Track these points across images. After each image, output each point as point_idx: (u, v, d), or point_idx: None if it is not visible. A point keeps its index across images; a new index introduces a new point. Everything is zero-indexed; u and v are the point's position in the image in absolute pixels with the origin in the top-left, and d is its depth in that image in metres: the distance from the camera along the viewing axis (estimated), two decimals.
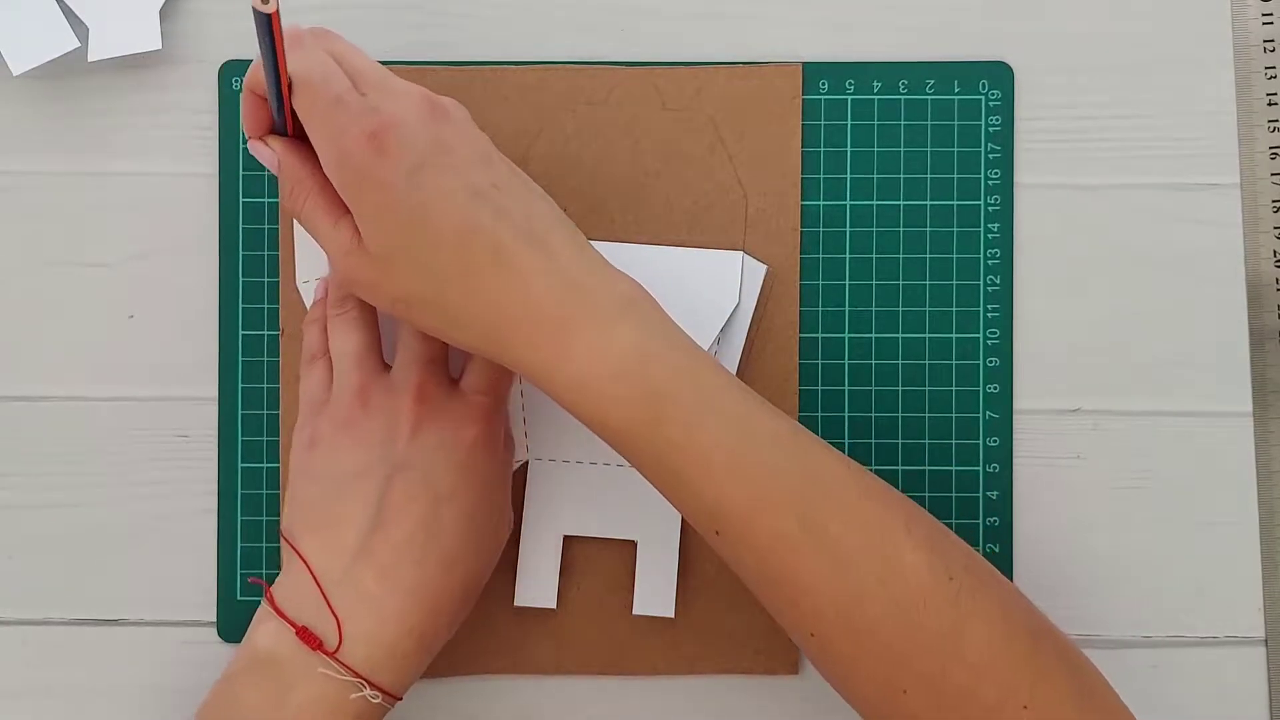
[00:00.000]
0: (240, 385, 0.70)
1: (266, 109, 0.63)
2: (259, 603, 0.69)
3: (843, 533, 0.59)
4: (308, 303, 0.69)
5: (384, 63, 0.70)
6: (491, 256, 0.60)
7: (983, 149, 0.71)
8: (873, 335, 0.71)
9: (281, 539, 0.64)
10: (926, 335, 0.71)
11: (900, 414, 0.70)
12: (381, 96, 0.61)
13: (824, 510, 0.59)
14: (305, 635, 0.61)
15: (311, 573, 0.62)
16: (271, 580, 0.64)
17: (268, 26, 0.57)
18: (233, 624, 0.70)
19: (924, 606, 0.58)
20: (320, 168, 0.62)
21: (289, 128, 0.63)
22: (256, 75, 0.62)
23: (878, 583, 0.58)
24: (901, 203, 0.71)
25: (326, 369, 0.66)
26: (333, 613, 0.61)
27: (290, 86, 0.61)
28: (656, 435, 0.59)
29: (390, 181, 0.59)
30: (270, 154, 0.64)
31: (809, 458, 0.60)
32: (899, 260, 0.71)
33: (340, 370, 0.65)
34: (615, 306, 0.60)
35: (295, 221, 0.69)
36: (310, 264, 0.69)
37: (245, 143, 0.70)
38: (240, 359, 0.70)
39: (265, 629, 0.62)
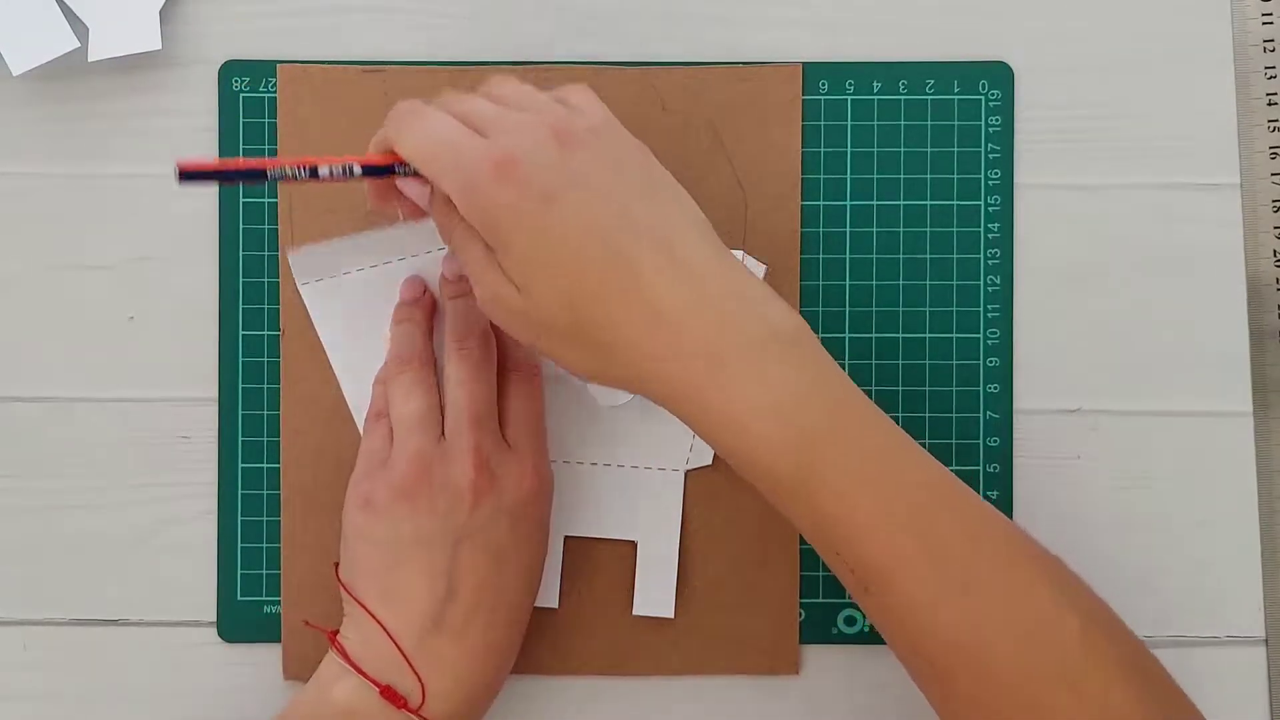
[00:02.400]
0: (240, 386, 0.70)
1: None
2: (260, 604, 0.70)
3: (992, 592, 0.58)
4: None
5: (384, 63, 0.70)
6: (634, 287, 0.58)
7: (983, 149, 0.71)
8: (873, 335, 0.71)
9: (342, 589, 0.65)
10: (926, 335, 0.71)
11: (900, 414, 0.70)
12: (499, 134, 0.59)
13: (975, 568, 0.58)
14: (390, 694, 0.63)
15: (391, 638, 0.63)
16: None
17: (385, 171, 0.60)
18: (233, 624, 0.70)
19: (1073, 674, 0.57)
20: None
21: None
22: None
23: (1023, 641, 0.57)
24: (901, 203, 0.71)
25: (389, 427, 0.66)
26: (416, 675, 0.63)
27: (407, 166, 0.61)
28: (807, 480, 0.57)
29: (520, 207, 0.58)
30: (419, 189, 0.62)
31: (960, 506, 0.59)
32: (899, 260, 0.71)
33: (399, 434, 0.65)
34: (768, 340, 0.58)
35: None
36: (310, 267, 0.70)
37: (244, 146, 0.70)
38: (240, 359, 0.70)
39: (344, 685, 0.64)
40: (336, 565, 0.66)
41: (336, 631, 0.65)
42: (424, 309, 0.68)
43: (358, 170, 0.61)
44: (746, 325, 0.58)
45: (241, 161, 0.59)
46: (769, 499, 0.59)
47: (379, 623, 0.63)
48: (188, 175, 0.60)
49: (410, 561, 0.63)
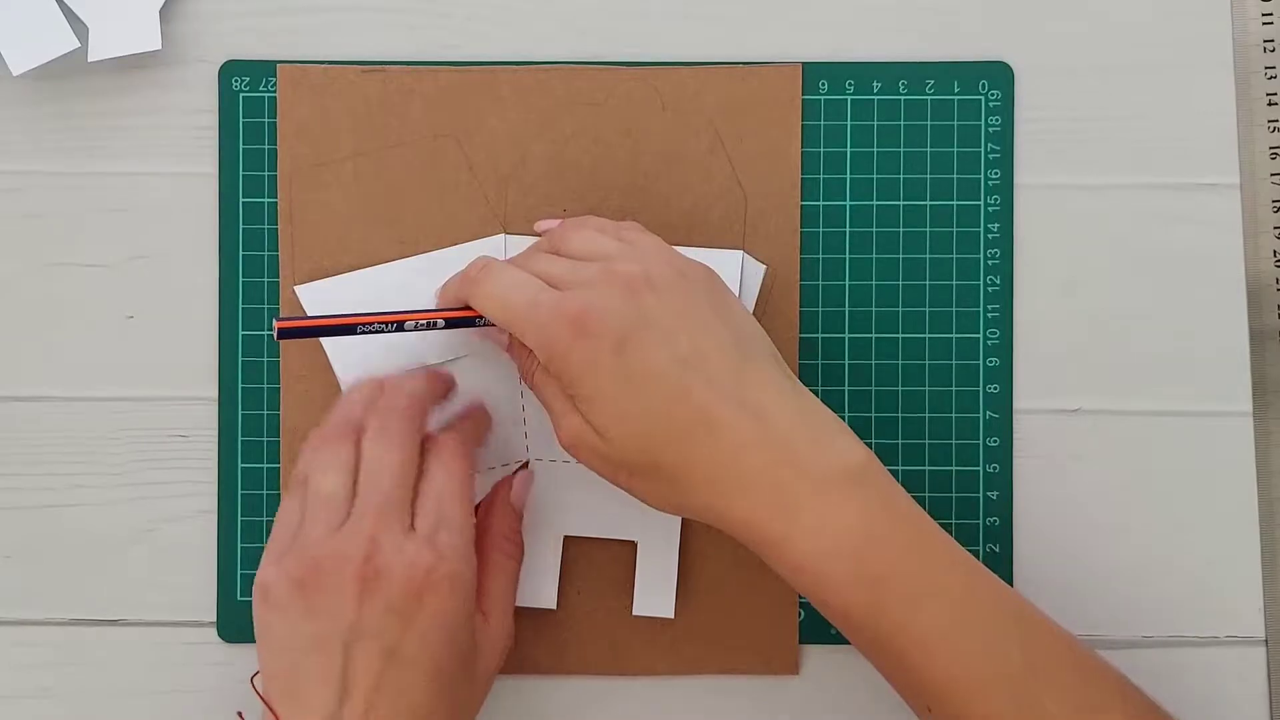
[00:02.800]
0: (240, 385, 0.70)
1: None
2: None
3: (1058, 714, 0.58)
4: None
5: (384, 63, 0.70)
6: (703, 426, 0.59)
7: (983, 149, 0.71)
8: (873, 335, 0.71)
9: (253, 688, 0.62)
10: (926, 335, 0.71)
11: (900, 414, 0.70)
12: (572, 287, 0.61)
13: (1041, 690, 0.59)
14: None
15: None
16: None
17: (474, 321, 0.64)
18: (233, 624, 0.70)
19: None
20: None
21: None
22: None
23: None
24: (901, 203, 0.71)
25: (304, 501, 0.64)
26: None
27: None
28: (876, 617, 0.59)
29: (595, 359, 0.60)
30: (498, 336, 0.66)
31: (1029, 634, 0.60)
32: (899, 260, 0.71)
33: (308, 514, 0.62)
34: (836, 479, 0.59)
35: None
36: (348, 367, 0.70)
37: (244, 146, 0.70)
38: (240, 359, 0.70)
39: None
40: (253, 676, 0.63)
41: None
42: (373, 389, 0.66)
43: (441, 323, 0.64)
44: (813, 464, 0.59)
45: (334, 319, 0.65)
46: (850, 639, 0.61)
47: (276, 717, 0.61)
48: (285, 333, 0.65)
49: (307, 665, 0.61)
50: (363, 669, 0.61)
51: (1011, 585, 0.69)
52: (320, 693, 0.61)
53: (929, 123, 0.71)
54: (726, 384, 0.60)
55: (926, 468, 0.70)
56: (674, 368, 0.60)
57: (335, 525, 0.62)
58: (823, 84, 0.71)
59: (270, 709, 0.61)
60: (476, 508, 0.67)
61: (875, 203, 0.71)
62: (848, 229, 0.71)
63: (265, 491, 0.70)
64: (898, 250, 0.71)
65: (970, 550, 0.69)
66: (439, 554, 0.62)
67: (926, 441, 0.70)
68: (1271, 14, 0.71)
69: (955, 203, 0.71)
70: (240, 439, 0.70)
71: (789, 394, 0.61)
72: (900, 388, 0.70)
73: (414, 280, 0.69)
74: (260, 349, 0.70)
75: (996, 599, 0.60)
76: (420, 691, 0.61)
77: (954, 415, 0.71)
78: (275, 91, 0.70)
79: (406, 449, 0.63)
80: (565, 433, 0.62)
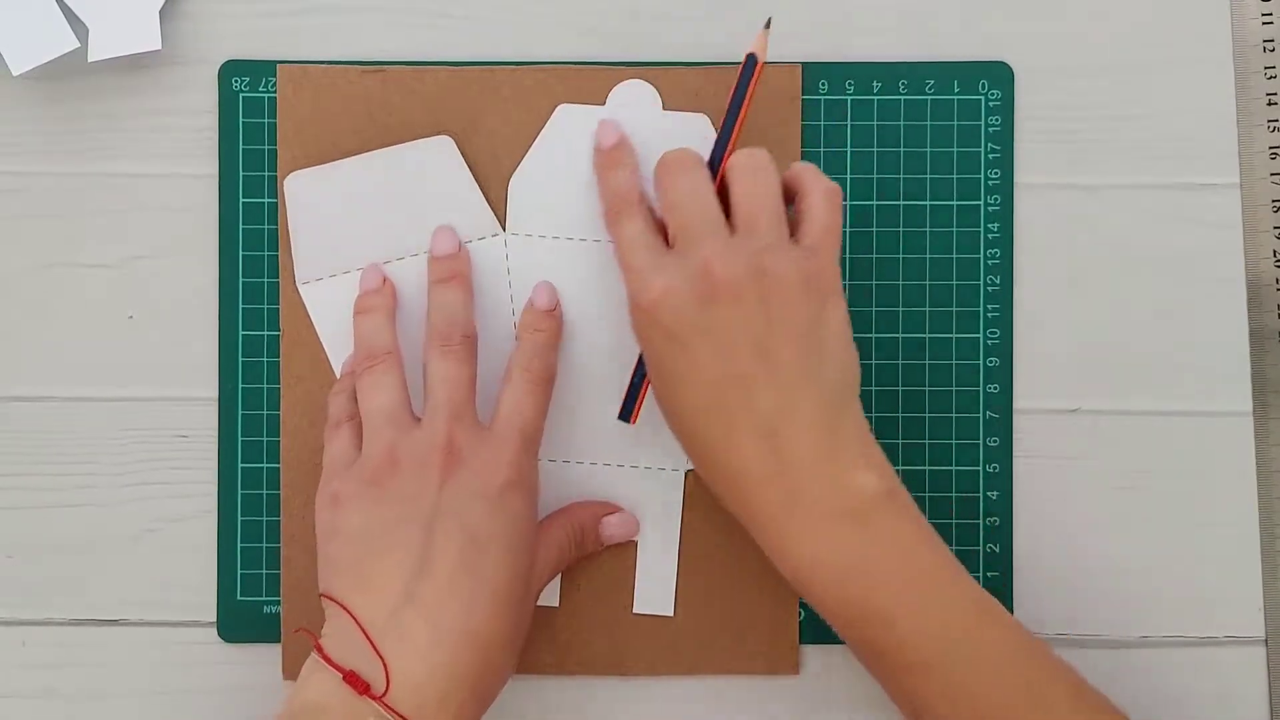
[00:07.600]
0: (240, 385, 0.70)
1: None
2: (260, 604, 0.70)
3: None
4: (310, 307, 0.70)
5: (384, 63, 0.70)
6: (723, 437, 0.61)
7: (983, 149, 0.71)
8: (873, 335, 0.71)
9: (322, 598, 0.63)
10: (926, 335, 0.71)
11: (900, 414, 0.70)
12: (740, 253, 0.62)
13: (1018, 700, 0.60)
14: (352, 679, 0.60)
15: (357, 621, 0.61)
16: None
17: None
18: (233, 624, 0.70)
19: None
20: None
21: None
22: None
23: None
24: (901, 203, 0.71)
25: (352, 432, 0.66)
26: (379, 656, 0.60)
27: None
28: (870, 635, 0.61)
29: (656, 344, 0.62)
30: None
31: (1028, 666, 0.61)
32: (899, 260, 0.71)
33: (372, 426, 0.64)
34: (839, 511, 0.60)
35: (290, 224, 0.69)
36: (310, 264, 0.70)
37: (244, 146, 0.70)
38: (240, 359, 0.70)
39: (314, 680, 0.61)
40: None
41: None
42: (386, 297, 0.68)
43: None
44: (820, 500, 0.60)
45: None
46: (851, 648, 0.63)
47: (347, 610, 0.61)
48: None
49: (383, 548, 0.62)
50: (442, 546, 0.62)
51: (1011, 585, 0.69)
52: (395, 568, 0.62)
53: (929, 123, 0.71)
54: (764, 405, 0.61)
55: (926, 468, 0.70)
56: (721, 379, 0.61)
57: (404, 431, 0.64)
58: (823, 84, 0.71)
59: (340, 604, 0.62)
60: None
61: (875, 203, 0.71)
62: (848, 229, 0.71)
63: (265, 491, 0.70)
64: (898, 250, 0.71)
65: (970, 550, 0.69)
66: (516, 459, 0.64)
67: (926, 441, 0.70)
68: (1271, 14, 0.71)
69: (955, 203, 0.71)
70: (240, 439, 0.70)
71: (826, 429, 0.61)
72: (900, 388, 0.70)
73: (413, 280, 0.69)
74: (260, 349, 0.70)
75: (997, 627, 0.61)
76: (502, 580, 0.63)
77: (954, 415, 0.71)
78: (275, 91, 0.70)
79: (470, 365, 0.66)
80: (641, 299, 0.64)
